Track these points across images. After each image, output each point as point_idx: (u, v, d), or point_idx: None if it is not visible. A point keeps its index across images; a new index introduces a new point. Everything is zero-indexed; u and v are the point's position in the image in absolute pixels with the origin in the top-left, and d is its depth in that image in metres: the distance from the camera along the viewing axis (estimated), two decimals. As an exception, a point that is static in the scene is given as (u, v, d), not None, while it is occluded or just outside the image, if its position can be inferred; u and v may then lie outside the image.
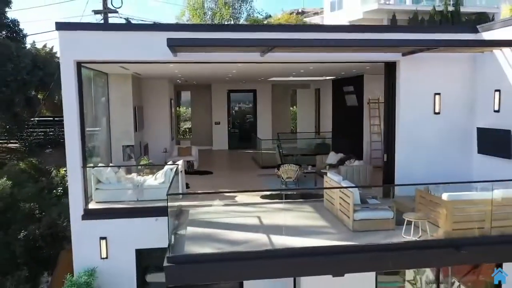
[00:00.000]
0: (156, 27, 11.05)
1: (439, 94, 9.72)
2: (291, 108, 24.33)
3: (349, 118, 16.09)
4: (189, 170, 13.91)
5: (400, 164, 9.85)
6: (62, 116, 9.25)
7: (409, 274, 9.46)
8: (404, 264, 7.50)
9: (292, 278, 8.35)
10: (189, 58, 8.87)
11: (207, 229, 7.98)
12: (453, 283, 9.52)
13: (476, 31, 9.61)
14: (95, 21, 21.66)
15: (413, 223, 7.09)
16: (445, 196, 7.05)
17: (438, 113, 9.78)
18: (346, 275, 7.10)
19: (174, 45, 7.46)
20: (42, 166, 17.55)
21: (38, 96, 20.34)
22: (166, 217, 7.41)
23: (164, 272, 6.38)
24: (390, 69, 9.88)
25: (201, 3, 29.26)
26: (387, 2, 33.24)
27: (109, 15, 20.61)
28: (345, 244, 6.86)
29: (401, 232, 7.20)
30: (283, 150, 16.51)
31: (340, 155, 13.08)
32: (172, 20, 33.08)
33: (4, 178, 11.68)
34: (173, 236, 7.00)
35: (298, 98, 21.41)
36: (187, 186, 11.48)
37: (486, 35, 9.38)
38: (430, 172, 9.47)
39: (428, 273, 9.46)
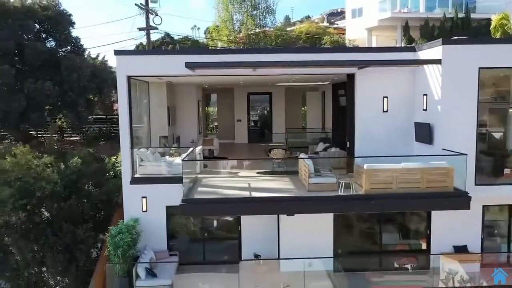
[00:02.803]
0: (179, 51, 15.10)
1: (386, 97, 13.11)
2: (302, 108, 27.85)
3: (343, 116, 19.45)
4: (210, 155, 17.93)
5: (358, 149, 13.33)
6: (113, 115, 13.39)
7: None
8: (337, 210, 11.05)
9: (276, 218, 12.07)
10: (203, 73, 12.80)
11: (212, 189, 11.90)
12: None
13: (414, 50, 12.95)
14: (139, 36, 26.16)
15: (344, 183, 10.66)
16: (365, 166, 10.56)
17: (386, 111, 13.18)
18: (313, 219, 10.89)
19: (189, 66, 11.39)
20: (97, 154, 22.10)
21: (94, 98, 24.99)
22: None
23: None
24: (350, 79, 13.38)
25: (230, 15, 33.22)
26: (402, 11, 35.94)
27: (151, 31, 25.11)
28: (295, 196, 10.57)
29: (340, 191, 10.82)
30: (289, 144, 20.33)
31: (327, 144, 16.61)
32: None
33: (76, 157, 16.11)
34: (187, 189, 10.94)
35: (307, 100, 24.94)
36: (205, 166, 15.40)
37: (421, 54, 12.71)
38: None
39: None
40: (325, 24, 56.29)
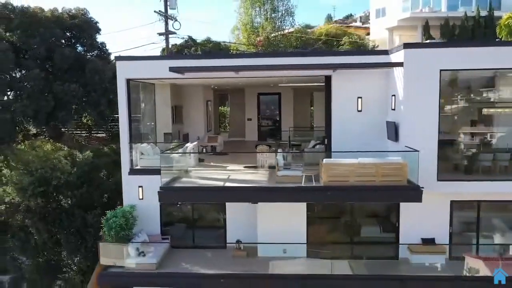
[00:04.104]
0: (171, 57, 16.64)
1: (361, 97, 13.98)
2: (311, 107, 28.74)
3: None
4: (212, 151, 19.38)
5: (335, 146, 14.28)
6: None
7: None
8: (298, 199, 12.13)
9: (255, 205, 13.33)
10: (191, 75, 14.24)
11: (194, 179, 13.33)
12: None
13: (387, 53, 13.75)
14: (159, 40, 28.03)
15: (305, 176, 11.75)
16: (324, 161, 11.59)
17: (361, 111, 14.04)
18: (287, 209, 12.21)
19: (173, 71, 12.88)
20: (118, 150, 24.17)
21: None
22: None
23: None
24: (327, 80, 14.35)
25: (251, 19, 34.56)
26: (424, 10, 35.81)
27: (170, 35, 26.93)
28: (260, 186, 11.78)
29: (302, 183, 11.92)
30: (293, 141, 21.51)
31: (317, 142, 17.58)
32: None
33: (88, 151, 18.13)
34: (170, 178, 12.44)
35: (314, 99, 25.86)
36: (202, 160, 16.85)
37: (392, 57, 13.49)
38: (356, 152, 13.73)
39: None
40: (358, 24, 56.41)
